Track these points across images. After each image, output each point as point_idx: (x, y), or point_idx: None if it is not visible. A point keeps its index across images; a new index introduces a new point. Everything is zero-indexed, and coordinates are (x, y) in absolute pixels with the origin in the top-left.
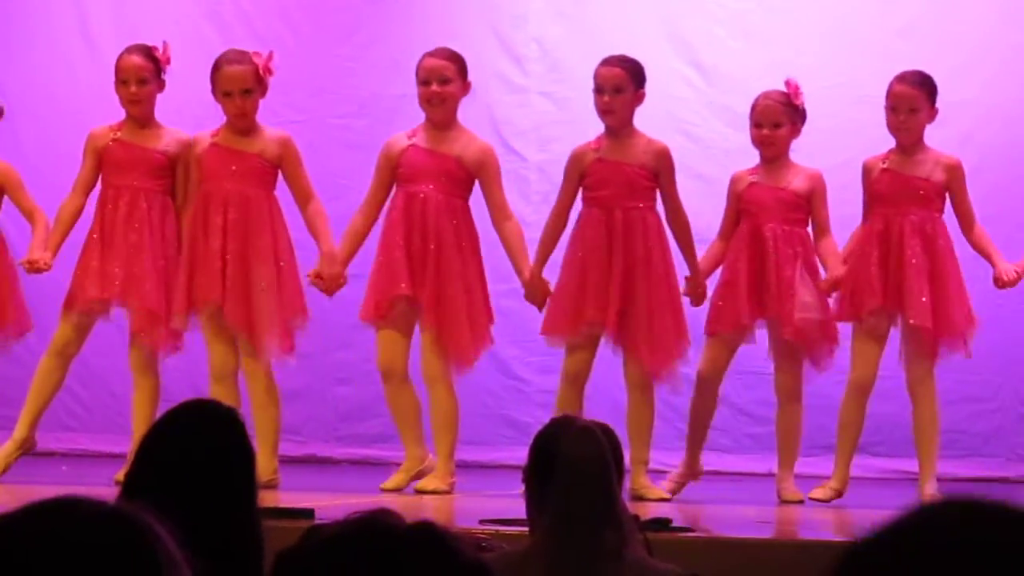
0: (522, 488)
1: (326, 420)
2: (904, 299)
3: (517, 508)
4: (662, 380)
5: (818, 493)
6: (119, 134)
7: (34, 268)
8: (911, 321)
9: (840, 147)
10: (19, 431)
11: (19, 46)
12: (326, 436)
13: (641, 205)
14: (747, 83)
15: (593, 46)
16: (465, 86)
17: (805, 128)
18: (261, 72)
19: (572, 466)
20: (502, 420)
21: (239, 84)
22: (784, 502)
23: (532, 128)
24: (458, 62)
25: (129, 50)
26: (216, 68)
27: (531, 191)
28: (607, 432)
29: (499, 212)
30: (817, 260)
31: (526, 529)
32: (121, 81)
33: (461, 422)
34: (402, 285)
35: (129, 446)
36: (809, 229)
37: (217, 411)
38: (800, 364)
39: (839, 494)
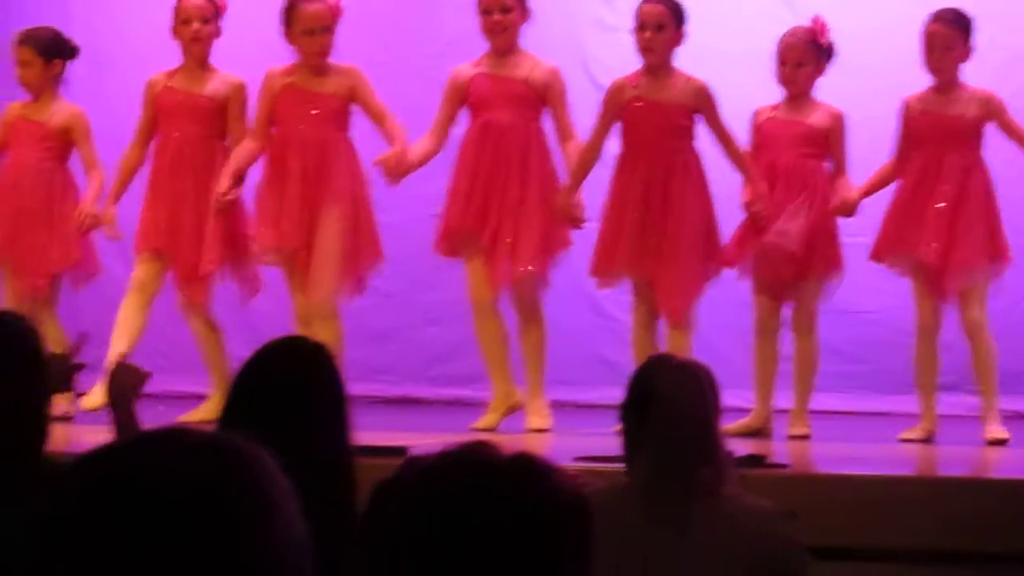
0: (618, 426)
1: (417, 360)
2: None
3: (612, 446)
4: (680, 325)
5: (908, 434)
6: (172, 81)
7: (83, 225)
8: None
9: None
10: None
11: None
12: (417, 376)
13: (679, 145)
14: (840, 26)
15: None
16: (525, 13)
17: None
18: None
19: (670, 403)
20: (594, 359)
21: (320, 21)
22: (792, 438)
23: (621, 67)
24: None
25: None
26: (292, 7)
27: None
28: (704, 370)
29: (563, 132)
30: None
31: (622, 466)
32: (182, 21)
33: (553, 362)
34: (477, 215)
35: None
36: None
37: (307, 347)
38: (809, 295)
39: (929, 434)
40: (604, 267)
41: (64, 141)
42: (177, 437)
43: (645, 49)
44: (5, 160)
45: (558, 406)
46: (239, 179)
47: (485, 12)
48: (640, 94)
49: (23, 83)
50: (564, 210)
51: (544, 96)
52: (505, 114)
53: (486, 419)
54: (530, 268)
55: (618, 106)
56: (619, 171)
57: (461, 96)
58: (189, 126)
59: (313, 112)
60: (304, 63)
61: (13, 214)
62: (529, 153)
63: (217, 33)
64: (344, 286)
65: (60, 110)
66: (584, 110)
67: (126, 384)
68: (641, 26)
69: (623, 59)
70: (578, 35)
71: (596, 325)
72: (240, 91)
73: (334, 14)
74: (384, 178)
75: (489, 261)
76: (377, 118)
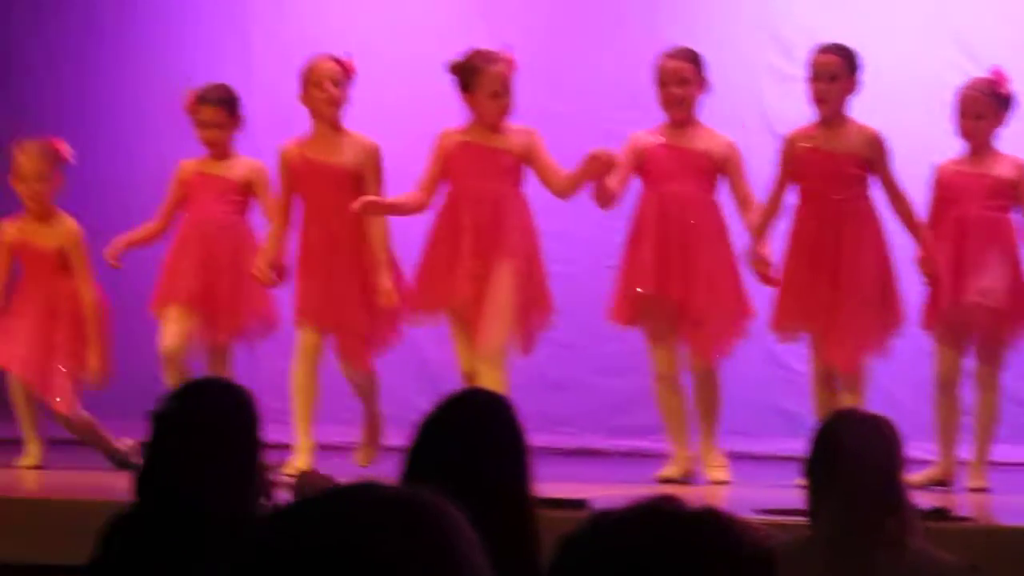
0: (800, 479)
1: (595, 411)
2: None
3: (792, 499)
4: (851, 381)
5: None
6: (306, 149)
7: (268, 281)
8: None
9: None
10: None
11: (289, 46)
12: (596, 427)
13: (852, 194)
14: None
15: (862, 34)
16: (703, 85)
17: None
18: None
19: (855, 458)
20: (772, 410)
21: (504, 83)
22: (972, 490)
23: (799, 117)
24: (696, 62)
25: (322, 56)
26: (477, 69)
27: None
28: (887, 423)
29: (744, 202)
30: None
31: (805, 519)
32: (313, 83)
33: (731, 412)
34: (651, 284)
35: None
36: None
37: (486, 398)
38: (999, 349)
39: None
40: (783, 321)
41: (246, 194)
42: (369, 492)
43: (819, 100)
44: (188, 216)
45: (735, 457)
46: (395, 209)
47: (663, 85)
48: (814, 144)
49: (209, 141)
50: (752, 266)
51: (723, 168)
52: (684, 185)
53: (669, 470)
54: (719, 342)
55: (793, 157)
56: (794, 222)
57: (638, 163)
58: (329, 193)
59: (486, 167)
60: (480, 122)
61: (201, 267)
62: (709, 223)
63: (347, 98)
64: (514, 338)
65: (241, 164)
66: (763, 160)
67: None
68: (815, 76)
69: (801, 109)
70: (756, 85)
71: (773, 375)
72: (376, 155)
73: (514, 72)
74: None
75: (674, 334)
76: (550, 172)
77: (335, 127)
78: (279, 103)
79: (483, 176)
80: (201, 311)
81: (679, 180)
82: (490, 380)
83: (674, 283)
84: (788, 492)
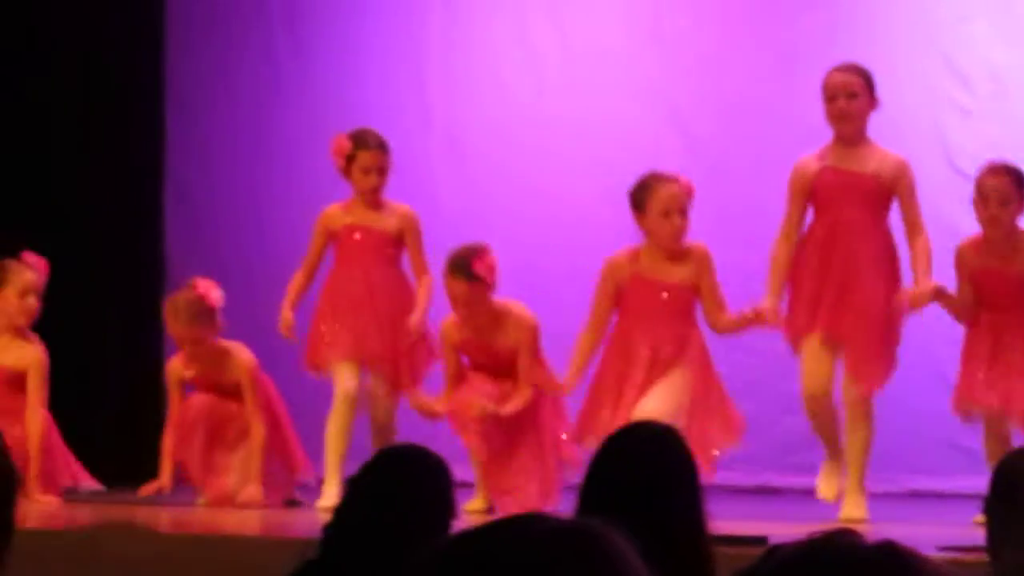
0: (980, 516)
1: (774, 449)
2: None
3: (973, 536)
4: None
5: None
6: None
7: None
8: None
9: None
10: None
11: (465, 77)
12: (775, 465)
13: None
14: None
15: None
16: (873, 101)
17: None
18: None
19: None
20: (951, 447)
21: (677, 202)
22: None
23: (980, 150)
24: (865, 76)
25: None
26: (649, 187)
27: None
28: None
29: (912, 228)
30: None
31: (985, 557)
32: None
33: (907, 448)
34: (816, 317)
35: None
36: None
37: (658, 432)
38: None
39: None
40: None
41: (400, 245)
42: (536, 523)
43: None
44: (337, 269)
45: (916, 495)
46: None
47: (830, 99)
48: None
49: (374, 189)
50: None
51: (893, 189)
52: (852, 211)
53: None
54: (871, 375)
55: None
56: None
57: (807, 191)
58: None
59: (664, 296)
60: (654, 245)
61: (365, 321)
62: (875, 251)
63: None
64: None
65: (393, 212)
66: (945, 198)
67: None
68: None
69: (981, 142)
70: (934, 117)
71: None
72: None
73: (690, 195)
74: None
75: (829, 362)
76: (714, 306)
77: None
78: (454, 136)
79: (657, 308)
80: (375, 367)
81: (847, 206)
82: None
83: (825, 315)
84: (969, 530)
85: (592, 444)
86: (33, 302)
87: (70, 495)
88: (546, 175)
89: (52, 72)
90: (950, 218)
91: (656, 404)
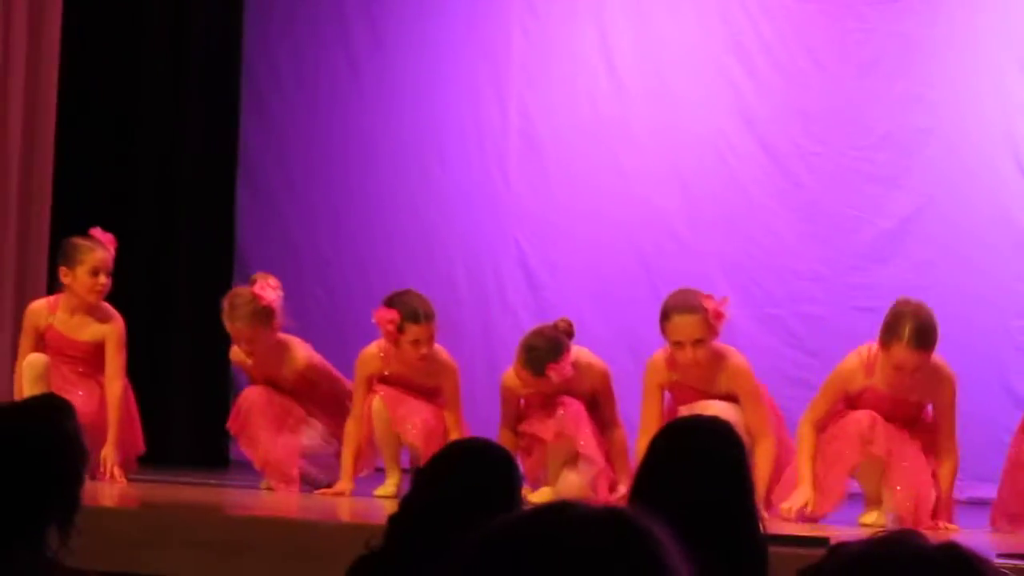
0: None
1: None
2: None
3: None
4: None
5: None
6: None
7: None
8: None
9: None
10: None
11: (544, 79)
12: None
13: None
14: None
15: None
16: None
17: None
18: (711, 319)
19: None
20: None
21: (689, 336)
22: None
23: None
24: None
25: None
26: (665, 316)
27: None
28: None
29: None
30: None
31: None
32: None
33: (968, 456)
34: None
35: None
36: None
37: (718, 429)
38: None
39: None
40: None
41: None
42: (562, 511)
43: None
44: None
45: (978, 503)
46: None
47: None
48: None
49: (423, 358)
50: None
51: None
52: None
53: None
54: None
55: None
56: None
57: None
58: None
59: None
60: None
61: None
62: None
63: None
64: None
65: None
66: (1016, 204)
67: None
68: None
69: None
70: (1009, 126)
71: (1016, 420)
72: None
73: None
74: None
75: None
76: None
77: None
78: (531, 136)
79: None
80: None
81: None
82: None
83: None
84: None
85: None
86: (104, 280)
87: (133, 475)
88: (622, 179)
89: (138, 64)
90: (1020, 223)
91: (723, 407)
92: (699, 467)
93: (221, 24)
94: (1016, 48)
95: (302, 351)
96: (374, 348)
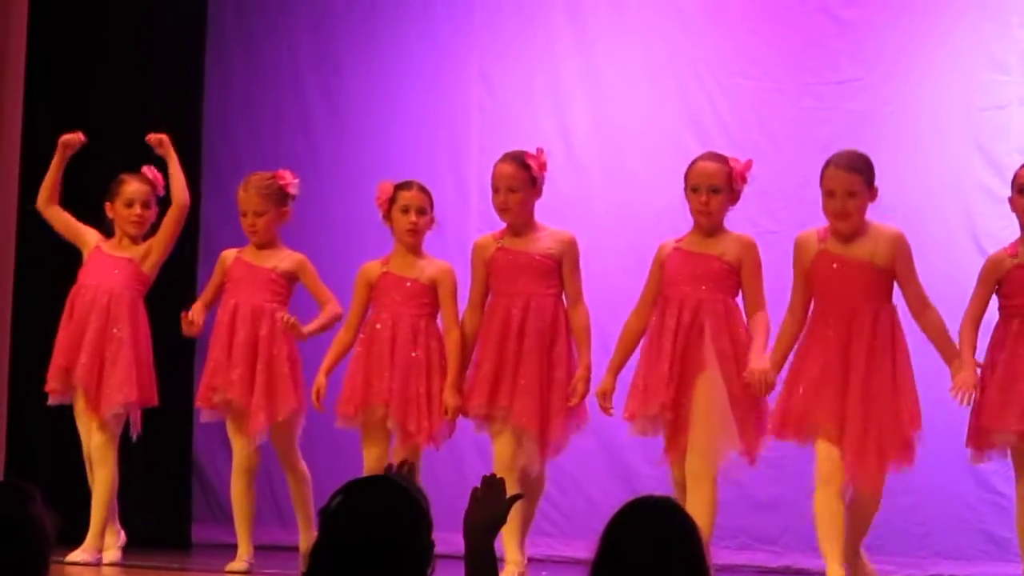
0: None
1: (804, 531)
2: None
3: None
4: None
5: None
6: (502, 242)
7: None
8: None
9: None
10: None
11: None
12: (803, 547)
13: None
14: None
15: None
16: (872, 193)
17: None
18: (734, 175)
19: None
20: (981, 535)
21: (707, 181)
22: None
23: (1009, 235)
24: (865, 172)
25: (503, 158)
26: (691, 165)
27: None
28: None
29: (918, 301)
30: None
31: None
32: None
33: (935, 534)
34: (830, 403)
35: None
36: None
37: (668, 507)
38: None
39: None
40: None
41: (434, 297)
42: None
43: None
44: (376, 317)
45: None
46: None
47: (828, 194)
48: (1020, 261)
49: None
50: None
51: (894, 271)
52: (858, 299)
53: None
54: (893, 463)
55: (996, 279)
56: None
57: (805, 267)
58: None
59: (696, 272)
60: (694, 226)
61: (396, 369)
62: (886, 336)
63: (536, 195)
64: (728, 454)
65: (429, 265)
66: (973, 280)
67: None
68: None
69: (1014, 232)
70: (967, 206)
71: (982, 499)
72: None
73: (728, 179)
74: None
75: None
76: (749, 303)
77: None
78: (493, 221)
79: (688, 282)
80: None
81: (848, 288)
82: (699, 496)
83: (845, 403)
84: None
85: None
86: (138, 211)
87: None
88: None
89: (102, 145)
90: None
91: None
92: (654, 549)
93: (183, 104)
94: (971, 126)
95: (298, 254)
96: (374, 260)
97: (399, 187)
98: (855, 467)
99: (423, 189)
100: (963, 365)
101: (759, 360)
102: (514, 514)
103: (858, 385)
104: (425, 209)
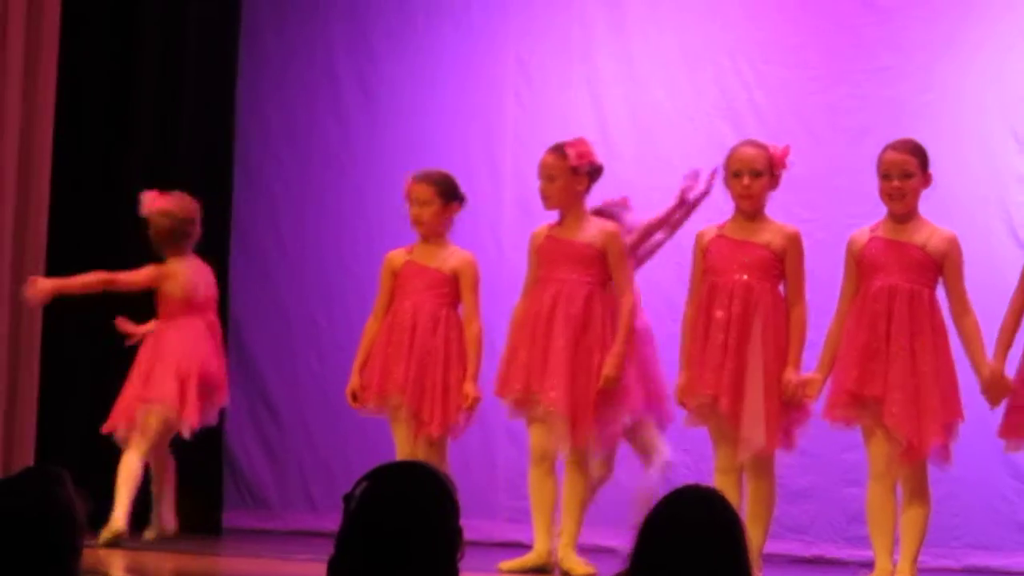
0: None
1: (835, 521)
2: None
3: None
4: None
5: None
6: (551, 230)
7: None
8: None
9: None
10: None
11: (537, 146)
12: (834, 537)
13: None
14: None
15: None
16: (927, 179)
17: None
18: (774, 161)
19: None
20: (1015, 525)
21: (749, 165)
22: None
23: None
24: (920, 155)
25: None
26: (731, 151)
27: None
28: None
29: (959, 305)
30: None
31: None
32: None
33: (967, 526)
34: (854, 383)
35: None
36: None
37: (708, 495)
38: None
39: None
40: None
41: (455, 288)
42: None
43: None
44: (398, 305)
45: (976, 571)
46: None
47: (884, 176)
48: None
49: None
50: (994, 385)
51: (941, 265)
52: (901, 279)
53: None
54: (925, 442)
55: None
56: None
57: (856, 261)
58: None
59: (744, 260)
60: (736, 212)
61: (413, 357)
62: (924, 320)
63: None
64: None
65: (452, 255)
66: (1010, 270)
67: None
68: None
69: None
70: (1004, 195)
71: (1017, 490)
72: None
73: (770, 164)
74: None
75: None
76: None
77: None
78: (528, 208)
79: (738, 270)
80: (410, 402)
81: (895, 273)
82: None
83: (877, 382)
84: None
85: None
86: None
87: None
88: None
89: (133, 132)
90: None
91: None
92: (695, 539)
93: (215, 88)
94: (1008, 114)
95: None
96: (400, 248)
97: (409, 178)
98: (904, 426)
99: (427, 179)
100: (991, 379)
101: (793, 371)
102: (542, 495)
103: (899, 355)
104: (429, 200)
